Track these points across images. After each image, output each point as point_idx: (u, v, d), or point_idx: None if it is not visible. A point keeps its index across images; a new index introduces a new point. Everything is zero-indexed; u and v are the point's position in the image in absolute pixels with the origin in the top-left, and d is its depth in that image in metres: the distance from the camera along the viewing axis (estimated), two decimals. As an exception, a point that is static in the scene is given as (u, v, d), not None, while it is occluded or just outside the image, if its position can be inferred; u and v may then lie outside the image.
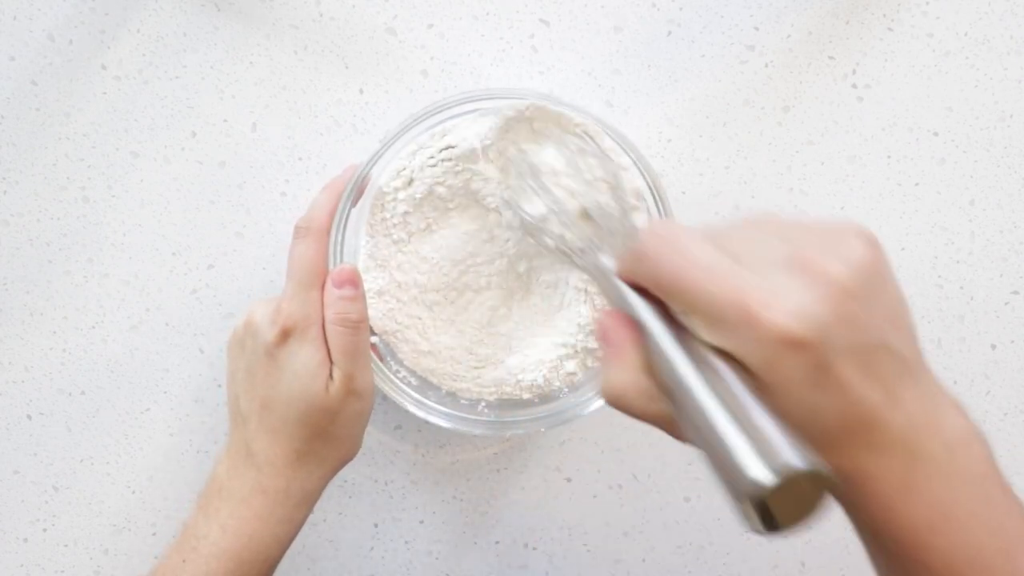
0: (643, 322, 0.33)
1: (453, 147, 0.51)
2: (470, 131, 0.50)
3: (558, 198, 0.48)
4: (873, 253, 0.30)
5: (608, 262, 0.38)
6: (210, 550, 0.48)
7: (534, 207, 0.48)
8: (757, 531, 0.28)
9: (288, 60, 0.57)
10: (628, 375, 0.33)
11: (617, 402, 0.33)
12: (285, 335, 0.48)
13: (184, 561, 0.48)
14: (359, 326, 0.49)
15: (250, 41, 0.57)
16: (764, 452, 0.27)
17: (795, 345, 0.28)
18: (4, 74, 0.57)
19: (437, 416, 0.52)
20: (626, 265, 0.35)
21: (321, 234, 0.50)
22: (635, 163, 0.51)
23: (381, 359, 0.53)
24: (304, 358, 0.48)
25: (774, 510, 0.27)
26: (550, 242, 0.46)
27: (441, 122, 0.51)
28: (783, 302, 0.29)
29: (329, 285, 0.49)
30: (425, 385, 0.54)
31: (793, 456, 0.27)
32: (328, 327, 0.49)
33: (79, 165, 0.58)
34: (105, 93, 0.57)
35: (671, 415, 0.32)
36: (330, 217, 0.50)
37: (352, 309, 0.49)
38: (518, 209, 0.49)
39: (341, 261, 0.51)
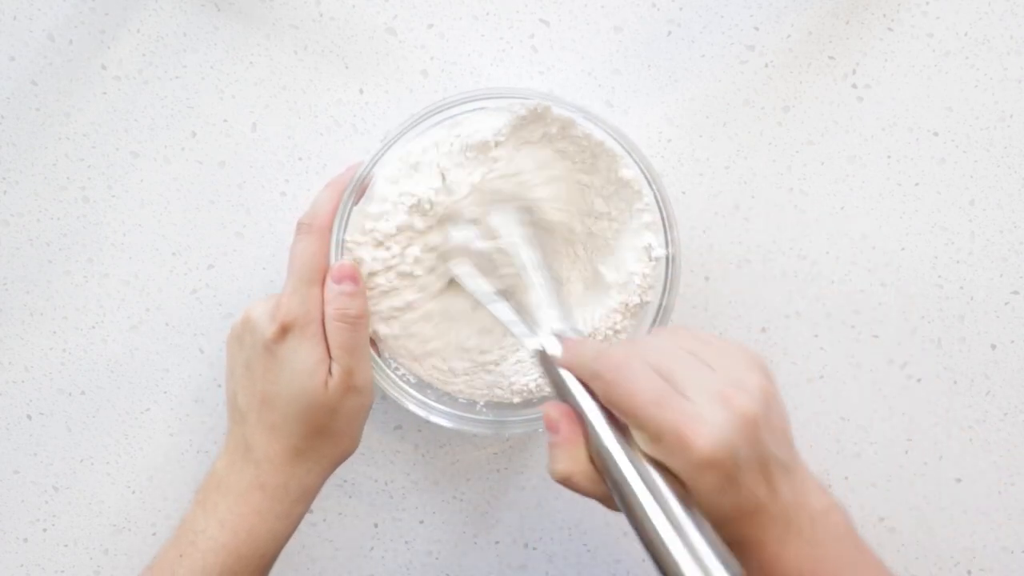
0: (591, 422, 0.40)
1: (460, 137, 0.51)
2: (483, 124, 0.50)
3: (505, 277, 0.50)
4: (769, 384, 0.40)
5: (550, 345, 0.44)
6: (208, 545, 0.48)
7: (483, 283, 0.51)
8: None
9: (288, 60, 0.57)
10: (574, 463, 0.40)
11: (564, 483, 0.41)
12: (284, 331, 0.48)
13: (181, 556, 0.48)
14: (358, 322, 0.49)
15: (250, 41, 0.57)
16: (699, 565, 0.36)
17: (715, 465, 0.37)
18: (4, 74, 0.57)
19: (437, 415, 0.52)
20: (578, 370, 0.42)
21: (323, 231, 0.50)
22: (636, 163, 0.51)
23: (380, 356, 0.53)
24: (303, 354, 0.48)
25: None
26: (500, 316, 0.49)
27: (442, 121, 0.51)
28: (709, 432, 0.37)
29: (329, 281, 0.49)
30: (424, 384, 0.54)
31: (720, 570, 0.36)
32: (328, 323, 0.49)
33: (79, 165, 0.58)
34: (105, 93, 0.57)
35: (608, 496, 0.40)
36: (332, 215, 0.50)
37: (352, 305, 0.49)
38: (469, 280, 0.51)
39: (341, 259, 0.51)
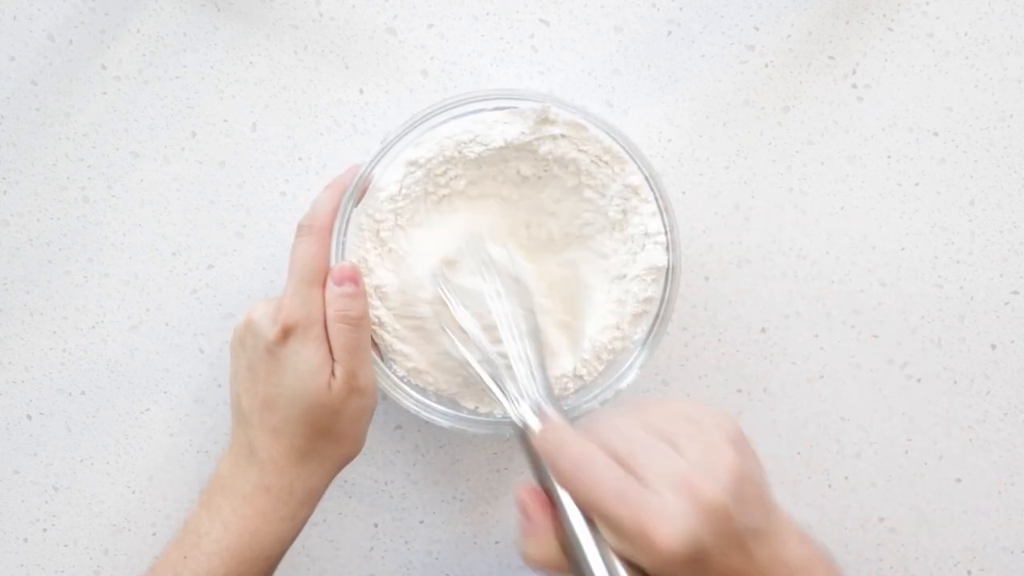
0: (564, 510, 0.39)
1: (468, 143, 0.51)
2: (493, 130, 0.51)
3: (487, 348, 0.49)
4: (740, 457, 0.38)
5: (530, 422, 0.43)
6: (212, 547, 0.48)
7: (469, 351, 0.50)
8: None
9: (288, 60, 0.57)
10: (545, 549, 0.40)
11: (535, 567, 0.40)
12: (286, 333, 0.48)
13: (185, 557, 0.48)
14: (360, 323, 0.49)
15: (250, 41, 0.57)
16: None
17: (682, 561, 0.36)
18: (4, 74, 0.57)
19: (438, 416, 0.52)
20: (545, 455, 0.41)
21: (323, 233, 0.50)
22: (636, 163, 0.51)
23: (382, 358, 0.53)
24: (306, 356, 0.48)
25: None
26: (483, 381, 0.48)
27: (444, 122, 0.51)
28: (671, 528, 0.35)
29: (330, 282, 0.49)
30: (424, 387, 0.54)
31: None
32: (330, 324, 0.49)
33: (79, 165, 0.58)
34: (105, 93, 0.57)
35: None
36: (332, 216, 0.50)
37: (353, 306, 0.49)
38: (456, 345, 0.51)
39: (343, 260, 0.51)
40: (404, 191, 0.51)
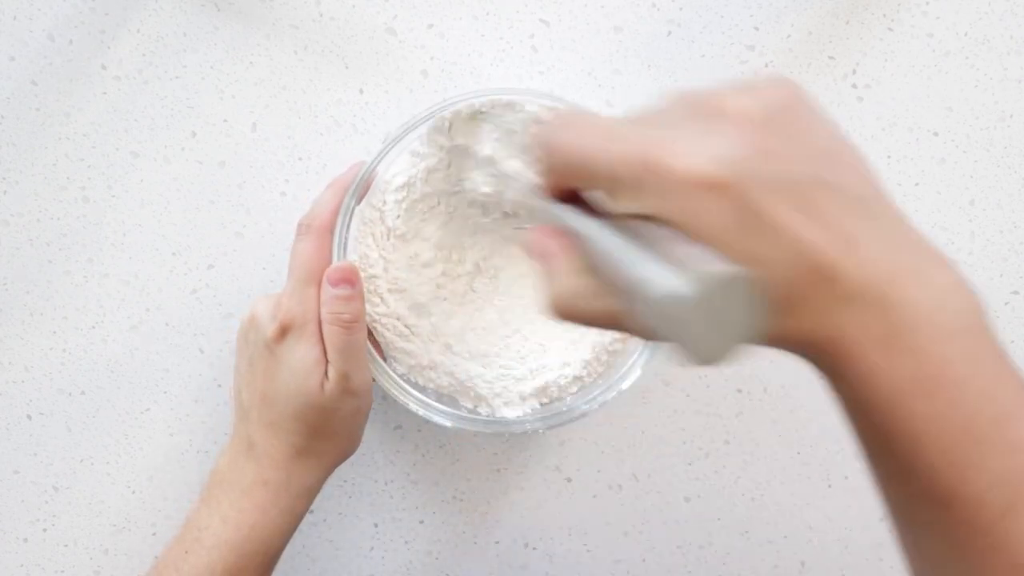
0: (569, 223, 0.32)
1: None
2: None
3: (506, 172, 0.50)
4: (785, 91, 0.28)
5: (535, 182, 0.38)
6: (212, 541, 0.48)
7: (485, 186, 0.51)
8: (699, 357, 0.25)
9: (288, 60, 0.57)
10: (568, 280, 0.31)
11: (564, 309, 0.31)
12: (283, 331, 0.48)
13: (187, 552, 0.49)
14: (353, 326, 0.49)
15: (250, 41, 0.57)
16: (681, 271, 0.25)
17: (709, 187, 0.25)
18: (4, 74, 0.57)
19: (439, 415, 0.52)
20: (541, 167, 0.32)
21: (323, 232, 0.50)
22: None
23: (383, 357, 0.53)
24: (300, 355, 0.48)
25: (705, 324, 0.25)
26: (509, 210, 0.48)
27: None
28: (687, 147, 0.26)
29: (325, 283, 0.49)
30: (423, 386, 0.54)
31: (712, 264, 0.25)
32: (324, 326, 0.49)
33: (79, 165, 0.58)
34: (105, 93, 0.57)
35: (618, 310, 0.29)
36: (333, 215, 0.50)
37: (346, 309, 0.49)
38: (472, 192, 0.51)
39: (345, 254, 0.51)
40: (410, 181, 0.51)
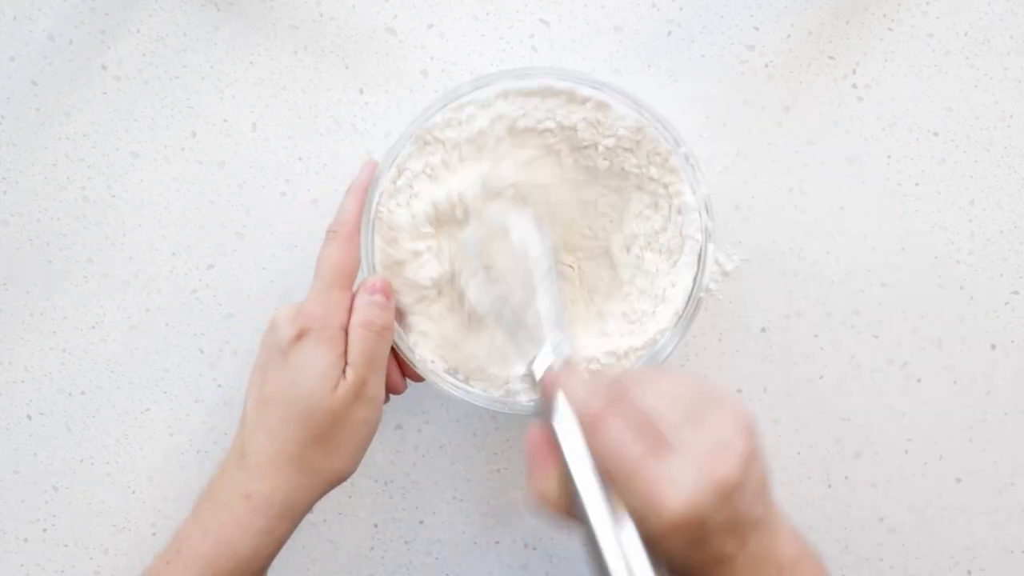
0: (567, 460, 0.40)
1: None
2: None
3: (507, 289, 0.50)
4: (751, 444, 0.39)
5: (539, 364, 0.44)
6: (190, 554, 0.47)
7: (486, 293, 0.51)
8: None
9: (288, 60, 0.57)
10: (547, 483, 0.41)
11: (539, 507, 0.42)
12: (301, 334, 0.48)
13: (168, 563, 0.48)
14: (383, 333, 0.49)
15: (250, 41, 0.57)
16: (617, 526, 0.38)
17: (685, 527, 0.37)
18: (4, 74, 0.57)
19: (472, 397, 0.52)
20: (571, 401, 0.42)
21: (350, 236, 0.50)
22: (657, 125, 0.51)
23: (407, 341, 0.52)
24: (316, 356, 0.47)
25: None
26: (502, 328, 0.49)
27: (460, 108, 0.51)
28: (677, 495, 0.37)
29: (362, 291, 0.49)
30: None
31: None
32: (352, 329, 0.48)
33: (79, 165, 0.58)
34: (105, 93, 0.57)
35: (574, 519, 0.40)
36: (357, 218, 0.50)
37: (380, 315, 0.49)
38: (472, 289, 0.51)
39: (372, 258, 0.51)
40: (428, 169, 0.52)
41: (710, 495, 0.37)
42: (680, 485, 0.37)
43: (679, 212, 0.52)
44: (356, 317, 0.48)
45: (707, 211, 0.51)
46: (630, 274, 0.54)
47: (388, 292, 0.49)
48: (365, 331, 0.48)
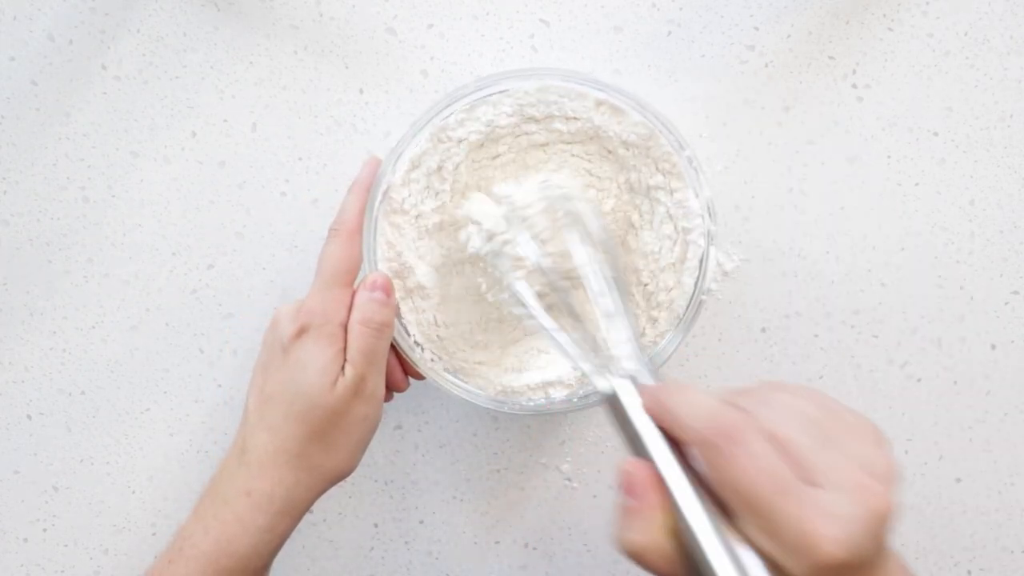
0: (676, 493, 0.34)
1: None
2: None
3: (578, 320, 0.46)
4: (894, 462, 0.34)
5: (625, 390, 0.38)
6: (192, 552, 0.47)
7: (542, 309, 0.47)
8: None
9: (288, 60, 0.57)
10: (650, 536, 0.34)
11: (634, 559, 0.35)
12: (302, 330, 0.48)
13: (170, 562, 0.48)
14: (383, 330, 0.49)
15: (250, 41, 0.57)
16: None
17: (837, 568, 0.32)
18: (4, 74, 0.57)
19: (472, 396, 0.52)
20: (674, 429, 0.36)
21: (352, 234, 0.50)
22: (659, 127, 0.51)
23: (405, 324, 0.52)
24: (316, 353, 0.48)
25: None
26: (563, 348, 0.44)
27: (464, 108, 0.51)
28: (839, 532, 0.31)
29: (362, 288, 0.49)
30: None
31: None
32: (352, 326, 0.48)
33: (79, 165, 0.58)
34: (105, 93, 0.57)
35: None
36: (359, 216, 0.50)
37: (380, 312, 0.49)
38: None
39: (375, 255, 0.51)
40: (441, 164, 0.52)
41: (867, 530, 0.32)
42: (836, 519, 0.32)
43: (683, 216, 0.52)
44: (355, 314, 0.48)
45: (710, 215, 0.51)
46: (634, 278, 0.54)
47: (388, 289, 0.49)
48: (364, 328, 0.48)
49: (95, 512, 0.59)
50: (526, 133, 0.52)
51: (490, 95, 0.51)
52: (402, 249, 0.52)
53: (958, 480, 0.59)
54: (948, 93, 0.57)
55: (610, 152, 0.53)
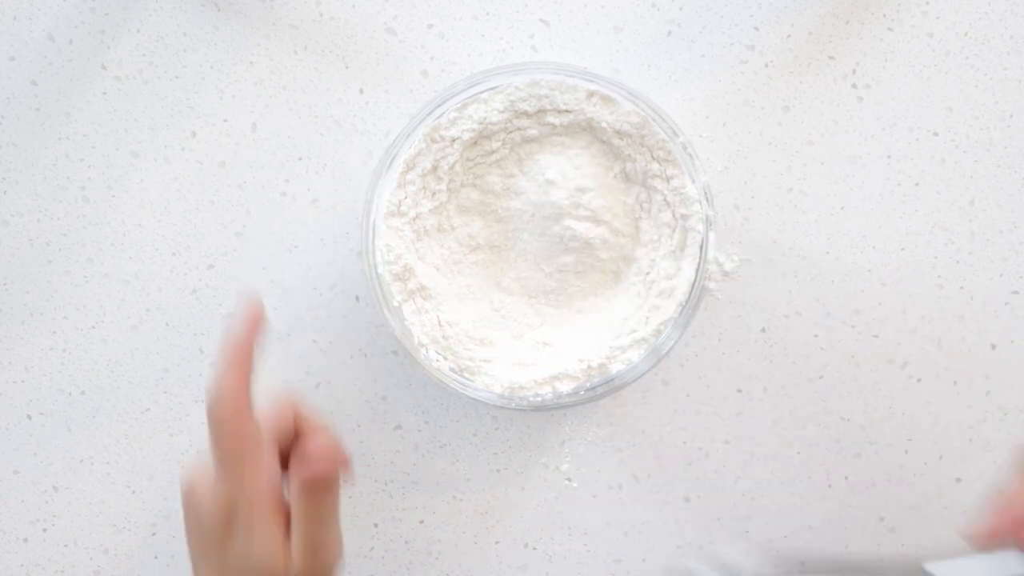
0: None
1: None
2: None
3: None
4: None
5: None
6: None
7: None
8: None
9: (288, 60, 0.57)
10: None
11: None
12: (226, 523, 0.42)
13: None
14: (333, 485, 0.42)
15: (250, 41, 0.57)
16: None
17: None
18: (4, 74, 0.57)
19: (477, 395, 0.52)
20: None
21: (238, 413, 0.41)
22: (655, 119, 0.51)
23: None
24: (256, 549, 0.42)
25: None
26: None
27: (456, 107, 0.51)
28: None
29: (301, 448, 0.42)
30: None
31: None
32: (293, 493, 0.42)
33: (79, 165, 0.58)
34: (105, 93, 0.57)
35: None
36: (244, 393, 0.42)
37: (328, 468, 0.42)
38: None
39: (374, 260, 0.50)
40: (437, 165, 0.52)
41: None
42: None
43: (681, 203, 0.52)
44: (296, 481, 0.42)
45: (707, 200, 0.51)
46: (636, 268, 0.54)
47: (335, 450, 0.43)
48: (309, 492, 0.42)
49: (95, 512, 0.59)
50: (519, 128, 0.52)
51: (481, 92, 0.51)
52: (402, 251, 0.52)
53: (958, 480, 0.59)
54: (948, 93, 0.57)
55: (604, 143, 0.53)
